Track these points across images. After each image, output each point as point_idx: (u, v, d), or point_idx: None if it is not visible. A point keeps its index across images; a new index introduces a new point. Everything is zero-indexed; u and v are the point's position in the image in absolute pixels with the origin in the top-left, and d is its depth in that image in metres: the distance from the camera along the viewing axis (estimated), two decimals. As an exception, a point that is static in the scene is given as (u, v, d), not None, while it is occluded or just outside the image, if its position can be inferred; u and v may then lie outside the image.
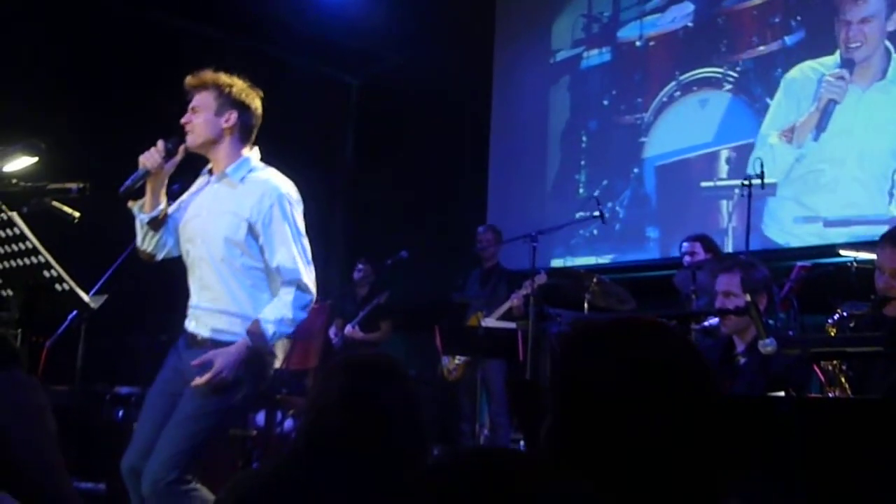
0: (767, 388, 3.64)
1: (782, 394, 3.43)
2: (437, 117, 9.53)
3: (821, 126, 6.99)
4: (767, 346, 3.34)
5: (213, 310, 3.66)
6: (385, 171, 9.67)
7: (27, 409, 1.62)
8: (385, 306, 7.99)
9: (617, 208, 8.36)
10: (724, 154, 7.66)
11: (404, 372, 2.21)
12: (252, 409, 4.04)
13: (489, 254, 7.76)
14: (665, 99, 8.18)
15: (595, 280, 6.20)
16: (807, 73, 7.18)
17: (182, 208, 3.87)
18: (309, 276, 3.66)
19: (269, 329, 3.56)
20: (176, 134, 3.75)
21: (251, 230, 3.65)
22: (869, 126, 6.70)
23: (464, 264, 8.01)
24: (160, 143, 3.70)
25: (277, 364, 4.02)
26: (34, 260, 3.43)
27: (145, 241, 3.84)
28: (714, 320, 4.54)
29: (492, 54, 9.84)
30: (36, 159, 4.11)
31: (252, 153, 3.81)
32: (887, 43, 6.70)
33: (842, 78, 6.91)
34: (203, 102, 3.72)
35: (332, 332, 7.97)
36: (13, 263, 3.48)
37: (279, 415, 6.21)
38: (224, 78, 3.74)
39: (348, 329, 8.01)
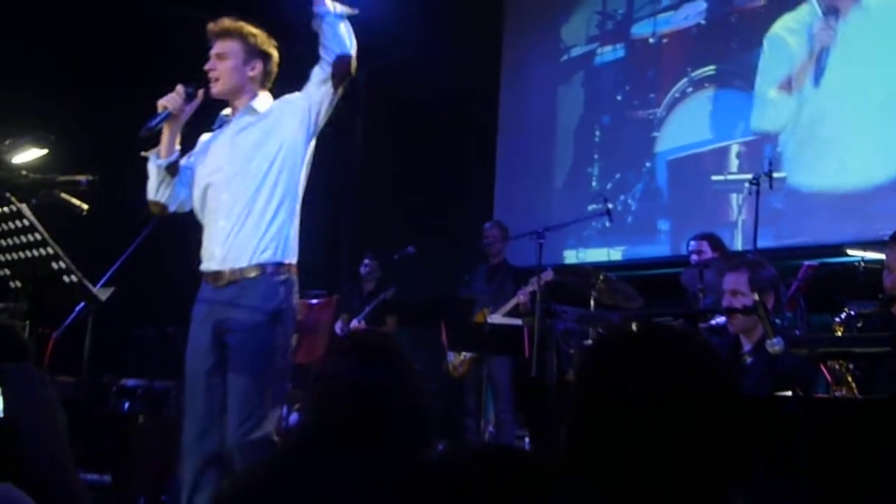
0: (775, 388, 3.62)
1: (789, 393, 3.42)
2: (445, 112, 9.52)
3: (818, 71, 7.11)
4: (775, 345, 3.33)
5: (243, 240, 3.63)
6: (392, 165, 9.67)
7: (37, 403, 1.62)
8: (391, 301, 7.98)
9: (629, 201, 8.39)
10: (735, 149, 7.68)
11: (407, 357, 2.19)
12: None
13: (496, 250, 7.74)
14: (677, 95, 8.19)
15: (601, 277, 6.19)
16: (789, 25, 7.35)
17: (197, 156, 3.87)
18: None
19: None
20: (195, 80, 3.76)
21: (277, 138, 3.69)
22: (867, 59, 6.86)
23: (470, 260, 8.00)
24: (180, 87, 3.71)
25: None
26: (43, 251, 3.45)
27: (159, 190, 3.82)
28: (721, 319, 4.52)
29: (500, 50, 9.84)
30: (45, 151, 4.13)
31: (268, 95, 3.87)
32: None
33: (829, 26, 7.06)
34: (229, 50, 3.77)
35: (338, 326, 7.96)
36: (22, 255, 3.50)
37: (285, 409, 6.21)
38: (247, 27, 3.80)
39: (354, 323, 8.01)
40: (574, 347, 6.23)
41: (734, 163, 7.66)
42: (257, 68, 3.79)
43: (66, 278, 3.50)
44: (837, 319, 3.75)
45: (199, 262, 3.81)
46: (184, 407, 3.81)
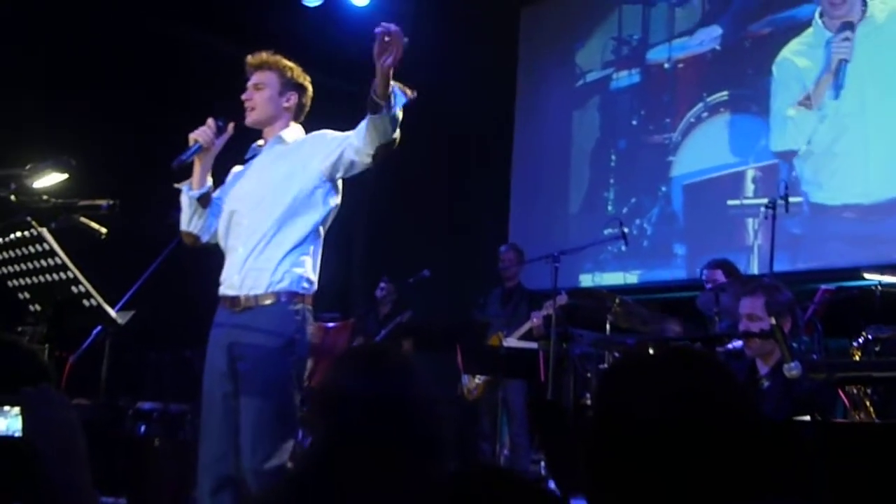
0: (792, 413, 3.61)
1: (807, 418, 3.40)
2: (461, 135, 9.55)
3: (837, 84, 7.19)
4: (792, 369, 3.32)
5: (261, 268, 3.66)
6: (407, 188, 9.69)
7: (57, 426, 1.62)
8: (407, 325, 7.98)
9: (645, 225, 8.41)
10: (751, 174, 7.70)
11: (417, 368, 2.16)
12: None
13: (511, 273, 7.73)
14: (693, 119, 8.22)
15: (618, 301, 6.18)
16: (795, 48, 7.47)
17: (228, 185, 3.93)
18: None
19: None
20: (230, 114, 3.82)
21: (305, 171, 3.71)
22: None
23: (485, 284, 7.99)
24: (211, 121, 3.77)
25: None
26: (63, 276, 3.46)
27: (192, 221, 3.87)
28: (738, 343, 4.51)
29: (516, 74, 9.88)
30: (66, 176, 4.15)
31: (299, 128, 3.94)
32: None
33: (846, 39, 7.16)
34: (266, 81, 3.86)
35: (355, 349, 7.95)
36: (42, 279, 3.51)
37: (300, 433, 6.20)
38: (284, 61, 3.90)
39: (371, 347, 7.99)
40: (591, 371, 6.21)
41: (750, 187, 7.68)
42: (292, 100, 3.89)
43: (85, 302, 3.51)
44: (855, 344, 3.75)
45: (217, 286, 3.84)
46: (200, 430, 3.82)
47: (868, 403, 3.51)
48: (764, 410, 3.90)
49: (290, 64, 3.90)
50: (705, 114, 8.17)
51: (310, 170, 3.73)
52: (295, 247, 3.69)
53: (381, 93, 3.48)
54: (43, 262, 3.48)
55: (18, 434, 1.62)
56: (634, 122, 8.83)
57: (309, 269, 3.72)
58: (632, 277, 8.40)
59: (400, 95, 3.57)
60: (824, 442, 2.86)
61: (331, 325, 7.27)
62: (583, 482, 1.57)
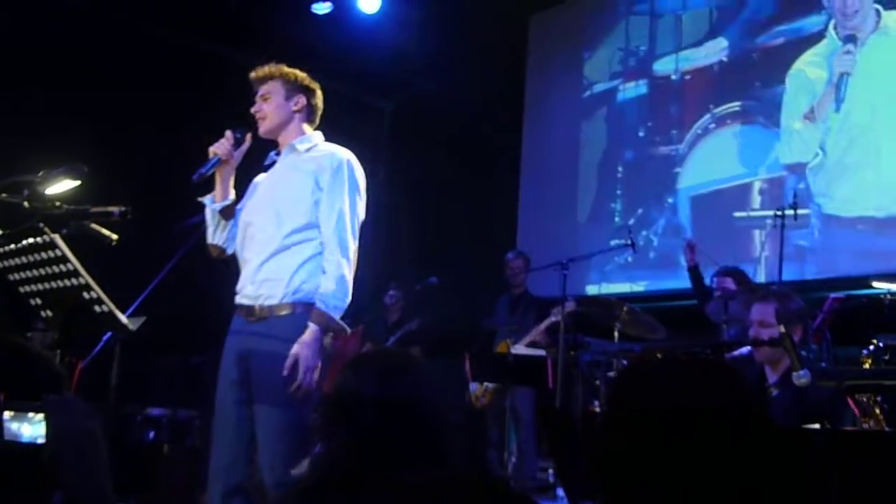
0: (802, 421, 3.61)
1: (817, 426, 3.40)
2: (469, 144, 9.57)
3: (839, 98, 7.21)
4: (802, 377, 3.33)
5: (276, 278, 3.66)
6: (416, 196, 9.71)
7: (79, 434, 1.64)
8: (416, 332, 7.99)
9: (651, 237, 8.41)
10: (758, 185, 7.71)
11: (426, 371, 2.15)
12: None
13: (519, 281, 7.74)
14: (700, 131, 8.24)
15: (625, 309, 6.19)
16: (809, 59, 7.46)
17: (247, 196, 3.94)
18: (353, 247, 3.73)
19: (328, 306, 3.59)
20: (245, 124, 3.85)
21: (317, 184, 3.72)
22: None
23: (493, 291, 8.00)
24: (229, 133, 3.81)
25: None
26: (74, 281, 3.47)
27: (216, 234, 3.89)
28: (744, 350, 4.51)
29: (524, 84, 9.91)
30: (78, 182, 4.17)
31: (316, 133, 3.94)
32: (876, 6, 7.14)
33: (848, 52, 7.20)
34: (272, 90, 3.86)
35: (364, 356, 7.95)
36: (53, 285, 3.52)
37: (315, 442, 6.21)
38: (285, 68, 3.90)
39: (380, 354, 7.99)
40: (599, 378, 6.22)
41: (757, 199, 7.69)
42: (300, 102, 3.89)
43: (97, 308, 3.52)
44: (865, 352, 3.75)
45: (227, 294, 3.86)
46: (210, 436, 3.82)
47: (878, 411, 3.51)
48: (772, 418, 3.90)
49: (292, 70, 3.91)
50: (712, 125, 8.18)
51: (307, 186, 3.73)
52: (311, 257, 3.70)
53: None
54: (55, 268, 3.49)
55: (41, 441, 1.63)
56: (641, 134, 8.84)
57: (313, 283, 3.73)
58: (638, 288, 8.40)
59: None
60: (834, 450, 2.86)
61: (339, 331, 7.27)
62: (592, 489, 1.57)
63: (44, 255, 3.48)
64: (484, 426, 7.47)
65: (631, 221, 8.39)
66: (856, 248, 6.89)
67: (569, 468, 3.94)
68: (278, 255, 3.69)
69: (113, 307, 3.52)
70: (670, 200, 8.39)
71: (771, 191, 7.54)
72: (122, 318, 3.59)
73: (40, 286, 3.56)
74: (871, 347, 3.72)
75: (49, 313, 3.63)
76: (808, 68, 7.45)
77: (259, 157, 3.96)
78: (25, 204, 3.85)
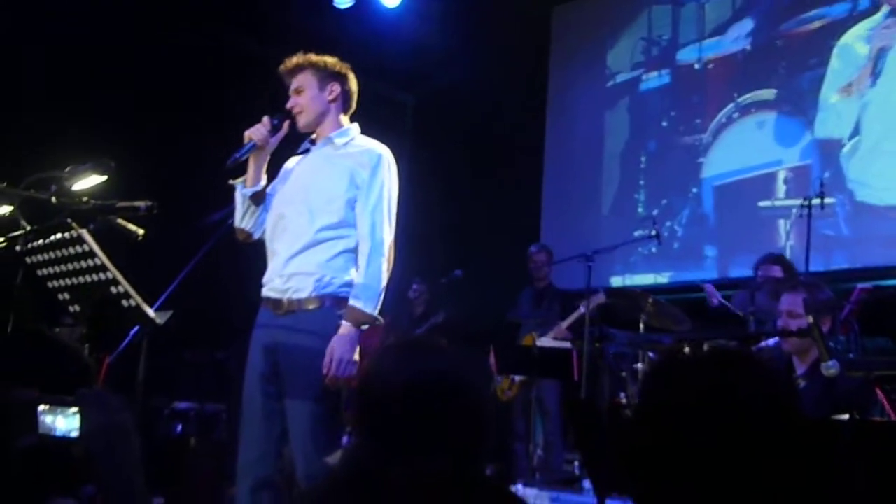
0: (831, 412, 3.59)
1: (846, 417, 3.38)
2: (492, 136, 9.56)
3: (875, 72, 7.10)
4: (831, 368, 3.31)
5: (305, 272, 3.66)
6: (439, 189, 9.71)
7: (112, 428, 1.65)
8: (442, 325, 8.00)
9: (675, 227, 8.37)
10: (782, 175, 7.66)
11: (460, 354, 2.11)
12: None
13: (542, 274, 7.73)
14: (723, 120, 8.19)
15: (651, 300, 6.17)
16: (857, 33, 7.32)
17: (278, 182, 3.91)
18: (389, 244, 3.73)
19: (363, 304, 3.59)
20: (281, 113, 3.81)
21: (352, 182, 3.71)
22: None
23: (518, 284, 8.00)
24: (266, 119, 3.77)
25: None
26: (102, 276, 3.49)
27: (245, 218, 3.87)
28: (770, 342, 4.49)
29: (546, 74, 9.89)
30: (105, 177, 4.19)
31: (353, 125, 3.91)
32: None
33: (888, 27, 7.08)
34: (304, 82, 3.83)
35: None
36: (81, 279, 3.54)
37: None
38: (315, 57, 3.86)
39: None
40: (625, 370, 6.20)
41: (781, 188, 7.63)
42: (335, 90, 3.85)
43: (125, 303, 3.54)
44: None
45: (253, 287, 3.86)
46: (237, 430, 3.83)
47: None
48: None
49: (322, 58, 3.86)
50: (736, 114, 8.13)
51: (344, 182, 3.73)
52: (341, 252, 3.69)
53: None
54: (82, 263, 3.51)
55: (75, 434, 1.64)
56: (664, 124, 8.79)
57: (354, 273, 3.72)
58: (662, 279, 8.37)
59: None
60: (863, 441, 2.84)
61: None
62: (618, 482, 1.57)
63: (72, 250, 3.50)
64: (510, 419, 7.47)
65: (655, 212, 8.35)
66: (886, 237, 6.82)
67: (595, 460, 3.93)
68: (309, 251, 3.68)
69: (140, 301, 3.53)
70: (694, 190, 8.35)
71: (796, 180, 7.49)
72: (150, 312, 3.60)
73: (68, 281, 3.58)
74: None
75: (77, 308, 3.65)
76: (855, 42, 7.32)
77: (295, 143, 3.94)
78: (53, 199, 3.87)
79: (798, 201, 6.32)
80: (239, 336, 3.97)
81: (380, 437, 1.94)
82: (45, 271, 3.63)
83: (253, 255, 4.00)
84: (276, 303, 3.70)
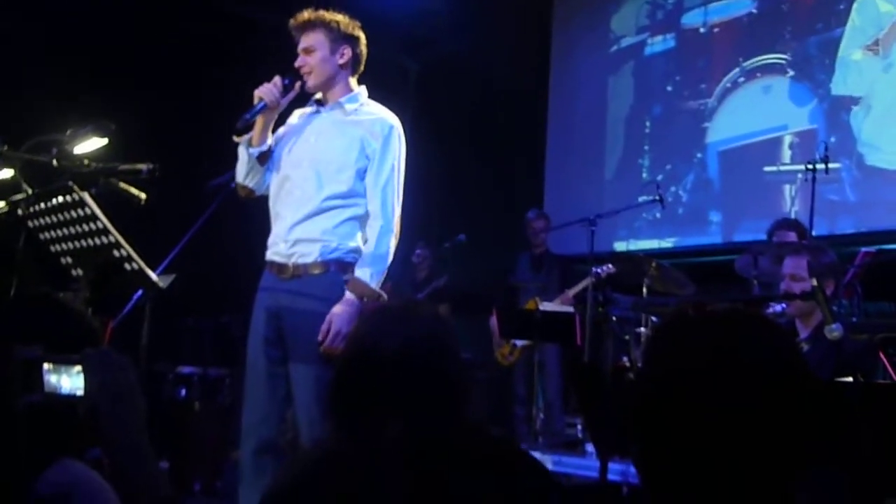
0: (835, 375, 3.59)
1: (849, 380, 3.38)
2: (496, 101, 9.52)
3: None
4: (834, 331, 3.30)
5: (310, 238, 3.65)
6: (443, 155, 9.68)
7: (117, 389, 1.64)
8: (444, 289, 8.01)
9: (680, 192, 8.34)
10: (788, 139, 7.61)
11: (440, 317, 2.10)
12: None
13: (539, 240, 7.75)
14: (729, 85, 8.13)
15: (654, 265, 6.16)
16: None
17: (284, 140, 3.87)
18: (397, 217, 3.73)
19: (368, 276, 3.59)
20: (292, 73, 3.76)
21: (362, 152, 3.69)
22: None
23: (520, 248, 8.00)
24: (277, 79, 3.72)
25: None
26: (104, 240, 3.48)
27: (248, 176, 3.84)
28: (777, 307, 4.48)
29: (550, 40, 9.82)
30: (106, 140, 4.16)
31: (361, 89, 3.87)
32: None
33: None
34: (315, 42, 3.75)
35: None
36: (84, 243, 3.53)
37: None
38: (328, 14, 3.78)
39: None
40: (629, 334, 6.21)
41: (787, 153, 7.59)
42: (346, 54, 3.78)
43: (127, 266, 3.53)
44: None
45: (256, 251, 3.85)
46: (241, 394, 3.84)
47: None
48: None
49: (334, 16, 3.78)
50: (742, 79, 8.06)
51: (354, 150, 3.71)
52: (347, 219, 3.68)
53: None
54: (85, 227, 3.50)
55: (80, 393, 1.63)
56: (669, 88, 8.74)
57: (359, 239, 3.71)
58: (667, 244, 8.35)
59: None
60: (869, 403, 2.84)
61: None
62: (621, 445, 1.56)
63: (73, 213, 3.49)
64: (511, 382, 7.50)
65: (659, 177, 8.31)
66: (893, 202, 6.76)
67: (598, 423, 3.94)
68: (315, 217, 3.66)
69: (143, 265, 3.53)
70: (699, 155, 8.31)
71: (801, 145, 7.44)
72: (153, 275, 3.60)
73: (71, 245, 3.58)
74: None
75: (80, 272, 3.64)
76: (880, 1, 7.18)
77: (299, 100, 3.90)
78: (54, 163, 3.85)
79: (803, 166, 6.27)
80: (243, 300, 3.97)
81: (360, 404, 1.94)
82: (47, 235, 3.62)
83: (256, 218, 3.99)
84: (281, 267, 3.70)
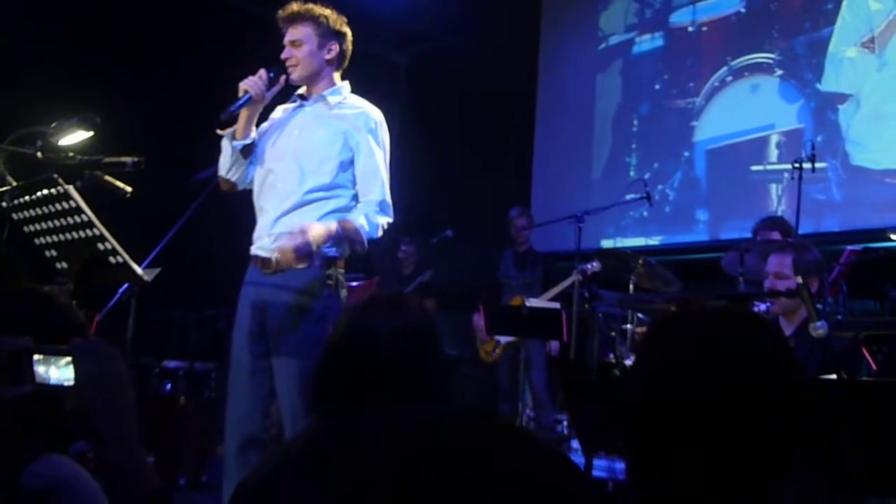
0: (819, 372, 3.60)
1: (833, 377, 3.39)
2: (484, 97, 9.51)
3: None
4: (819, 328, 3.32)
5: (293, 232, 3.62)
6: (430, 151, 9.68)
7: (106, 379, 1.63)
8: (429, 284, 8.00)
9: (667, 191, 8.35)
10: (775, 139, 7.63)
11: (421, 307, 2.13)
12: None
13: (522, 238, 7.74)
14: (716, 84, 8.14)
15: (641, 262, 6.16)
16: None
17: (267, 134, 3.87)
18: (389, 201, 3.74)
19: (360, 222, 3.60)
20: (277, 66, 3.76)
21: (346, 144, 3.70)
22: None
23: (507, 245, 8.00)
24: (262, 71, 3.72)
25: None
26: (89, 233, 3.48)
27: (231, 169, 3.83)
28: (762, 306, 4.49)
29: (538, 37, 9.83)
30: (91, 133, 4.15)
31: (344, 84, 3.87)
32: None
33: None
34: (303, 36, 3.75)
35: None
36: (68, 236, 3.53)
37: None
38: (317, 8, 3.78)
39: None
40: (615, 331, 6.21)
41: (774, 153, 7.61)
42: (333, 50, 3.79)
43: (112, 259, 3.53)
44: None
45: (242, 245, 3.85)
46: (226, 388, 3.83)
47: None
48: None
49: (324, 11, 3.78)
50: (729, 78, 8.08)
51: (337, 143, 3.71)
52: (330, 212, 3.68)
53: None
54: (69, 220, 3.50)
55: (68, 384, 1.63)
56: (657, 87, 8.74)
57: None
58: (653, 242, 8.37)
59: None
60: (853, 400, 2.85)
61: (354, 283, 7.30)
62: (606, 441, 1.56)
63: (58, 206, 3.48)
64: (495, 379, 7.49)
65: (646, 175, 8.32)
66: (879, 202, 6.75)
67: (584, 420, 3.95)
68: (298, 210, 3.66)
69: (128, 258, 3.52)
70: (686, 154, 8.32)
71: (788, 144, 7.45)
72: (138, 269, 3.60)
73: (55, 238, 3.57)
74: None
75: (64, 265, 3.64)
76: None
77: (283, 94, 3.90)
78: (39, 155, 3.85)
79: (789, 165, 6.28)
80: (228, 294, 3.96)
81: (345, 393, 1.94)
82: (31, 227, 3.62)
83: (242, 212, 3.99)
84: (265, 261, 3.70)
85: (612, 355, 6.12)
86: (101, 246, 3.50)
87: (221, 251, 5.34)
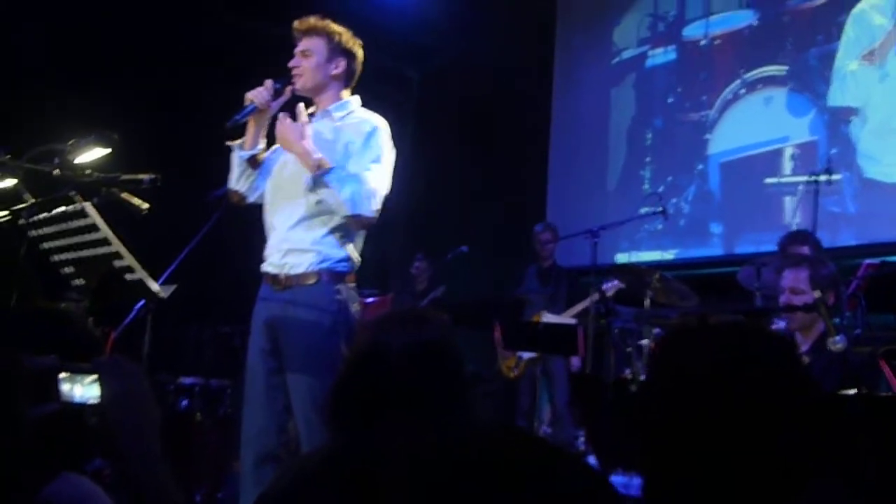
0: (837, 387, 3.58)
1: (852, 392, 3.37)
2: (497, 112, 9.53)
3: None
4: (838, 343, 3.30)
5: (301, 248, 3.67)
6: (445, 165, 9.69)
7: (130, 397, 1.64)
8: (442, 300, 8.00)
9: (681, 204, 8.34)
10: (789, 151, 7.61)
11: (441, 321, 2.10)
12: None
13: (547, 252, 7.74)
14: (730, 96, 8.13)
15: (657, 277, 6.14)
16: (872, 2, 7.16)
17: (277, 151, 3.89)
18: (377, 200, 3.70)
19: (339, 175, 3.60)
20: (284, 76, 3.80)
21: (346, 153, 3.70)
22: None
23: (522, 260, 8.00)
24: (269, 82, 3.75)
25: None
26: (106, 250, 3.48)
27: (240, 180, 3.86)
28: (780, 322, 4.46)
29: (552, 51, 9.85)
30: (108, 150, 4.17)
31: (353, 98, 3.89)
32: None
33: None
34: (314, 47, 3.79)
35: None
36: (85, 253, 3.54)
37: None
38: (333, 25, 3.82)
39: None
40: (631, 346, 6.19)
41: (788, 165, 7.59)
42: (341, 66, 3.82)
43: (128, 276, 3.53)
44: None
45: (257, 261, 3.86)
46: (241, 404, 3.84)
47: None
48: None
49: (338, 28, 3.82)
50: (742, 91, 8.07)
51: (339, 154, 3.72)
52: (337, 227, 3.68)
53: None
54: (86, 237, 3.50)
55: (93, 401, 1.63)
56: (671, 100, 8.75)
57: (351, 248, 3.72)
58: (668, 256, 8.35)
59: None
60: (872, 416, 2.83)
61: (370, 300, 7.31)
62: (623, 457, 1.55)
63: (75, 223, 3.49)
64: (515, 395, 7.48)
65: (661, 189, 8.32)
66: (894, 215, 6.74)
67: (600, 435, 3.93)
68: (305, 224, 3.68)
69: (144, 275, 3.53)
70: (700, 167, 8.31)
71: (803, 156, 7.44)
72: (154, 285, 3.60)
73: (72, 254, 3.58)
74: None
75: (81, 282, 3.65)
76: (873, 12, 7.16)
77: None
78: (56, 172, 3.85)
79: (804, 178, 6.27)
80: (244, 311, 3.97)
81: (365, 408, 1.94)
82: (48, 245, 3.63)
83: (257, 228, 3.99)
84: (275, 278, 3.72)
85: (628, 371, 6.10)
86: (117, 263, 3.50)
87: (237, 268, 5.34)
